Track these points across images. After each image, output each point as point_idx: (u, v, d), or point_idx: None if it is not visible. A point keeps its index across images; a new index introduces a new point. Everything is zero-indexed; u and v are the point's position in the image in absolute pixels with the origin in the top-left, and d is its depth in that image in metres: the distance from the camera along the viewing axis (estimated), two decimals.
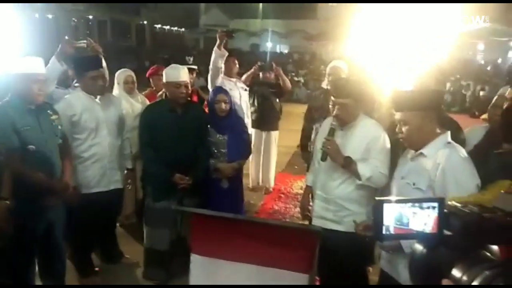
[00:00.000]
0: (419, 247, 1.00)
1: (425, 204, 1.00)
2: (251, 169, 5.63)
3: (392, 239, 1.03)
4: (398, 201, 1.01)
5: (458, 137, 2.58)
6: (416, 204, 1.00)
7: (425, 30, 3.02)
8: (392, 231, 1.00)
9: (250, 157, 5.40)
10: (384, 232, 1.00)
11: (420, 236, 1.00)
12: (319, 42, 30.60)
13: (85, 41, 3.43)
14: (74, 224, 3.03)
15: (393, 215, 0.99)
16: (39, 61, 2.63)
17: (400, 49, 3.10)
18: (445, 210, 0.99)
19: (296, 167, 6.79)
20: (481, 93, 13.63)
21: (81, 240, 3.32)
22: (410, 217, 0.99)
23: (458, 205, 1.00)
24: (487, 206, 1.00)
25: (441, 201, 1.00)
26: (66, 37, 3.30)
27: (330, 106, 2.64)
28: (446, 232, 0.98)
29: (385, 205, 0.99)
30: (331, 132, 2.57)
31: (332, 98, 2.61)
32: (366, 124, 2.63)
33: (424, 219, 0.99)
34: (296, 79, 17.39)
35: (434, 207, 0.99)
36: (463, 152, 2.10)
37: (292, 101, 13.09)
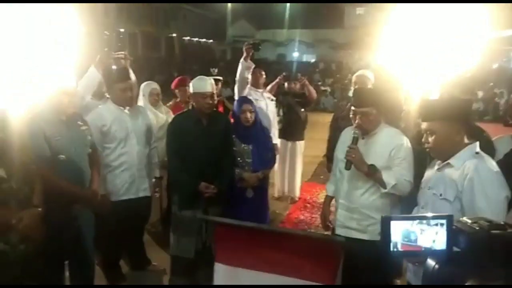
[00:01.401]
0: (431, 262, 0.99)
1: (432, 221, 0.99)
2: (277, 179, 5.63)
3: (400, 256, 1.03)
4: (405, 218, 1.01)
5: (488, 148, 2.51)
6: (424, 221, 0.99)
7: (454, 36, 2.96)
8: (400, 247, 0.99)
9: (276, 166, 5.43)
10: (392, 248, 0.99)
11: (428, 253, 0.99)
12: (346, 51, 30.50)
13: (123, 52, 3.55)
14: (103, 231, 3.11)
15: (401, 231, 0.99)
16: (70, 74, 2.73)
17: (429, 57, 3.06)
18: (454, 227, 0.98)
19: (322, 176, 6.74)
20: None
21: (110, 247, 3.40)
22: (418, 234, 0.99)
23: (469, 221, 0.99)
24: (498, 222, 0.98)
25: (449, 218, 0.99)
26: (106, 49, 3.41)
27: (351, 115, 2.64)
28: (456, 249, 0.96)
29: (392, 222, 1.00)
30: (355, 140, 2.57)
31: (353, 108, 2.62)
32: (388, 132, 2.64)
33: (432, 236, 0.98)
34: (322, 88, 17.34)
35: (442, 224, 0.98)
36: (492, 163, 2.05)
37: (319, 110, 13.06)
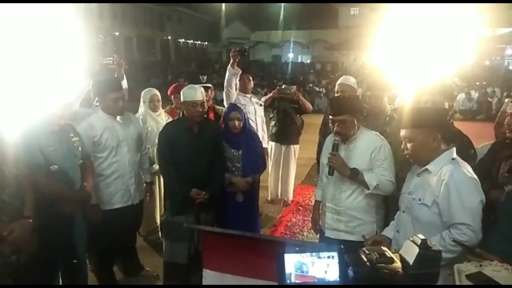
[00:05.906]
0: None
1: (322, 254, 1.06)
2: (270, 182, 5.69)
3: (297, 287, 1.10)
4: (297, 251, 1.08)
5: (468, 153, 2.58)
6: (314, 254, 1.06)
7: (447, 36, 3.02)
8: (294, 279, 1.07)
9: (269, 169, 5.48)
10: (287, 280, 1.07)
11: (321, 284, 1.06)
12: (341, 51, 30.60)
13: (111, 58, 3.57)
14: (96, 239, 3.15)
15: (293, 263, 1.06)
16: (63, 85, 2.77)
17: (420, 58, 3.11)
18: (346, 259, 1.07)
19: (315, 179, 6.78)
20: (508, 99, 13.26)
21: (103, 254, 3.45)
22: (310, 266, 1.06)
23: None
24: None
25: (340, 251, 1.06)
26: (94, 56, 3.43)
27: (330, 124, 2.73)
28: None
29: (286, 256, 1.07)
30: (335, 147, 2.71)
31: (330, 116, 2.71)
32: (367, 135, 2.75)
33: (323, 268, 1.05)
34: (317, 89, 17.35)
35: (333, 256, 1.05)
36: (467, 168, 2.12)
37: (313, 112, 12.91)
